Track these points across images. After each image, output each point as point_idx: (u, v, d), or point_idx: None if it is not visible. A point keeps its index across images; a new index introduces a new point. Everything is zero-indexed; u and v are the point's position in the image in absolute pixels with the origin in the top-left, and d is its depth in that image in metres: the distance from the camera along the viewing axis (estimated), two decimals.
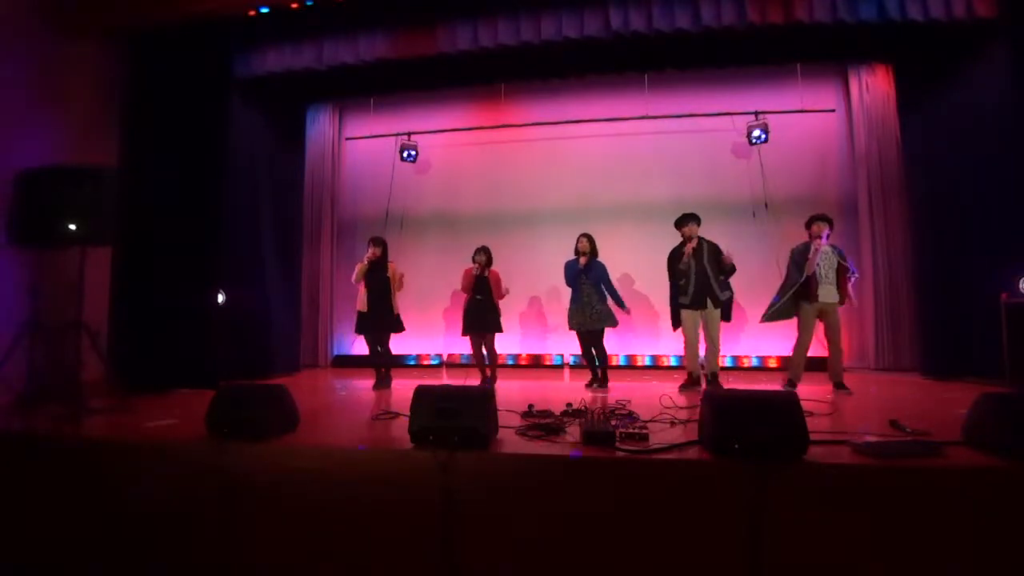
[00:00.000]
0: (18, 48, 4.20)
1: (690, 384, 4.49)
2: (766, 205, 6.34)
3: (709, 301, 4.47)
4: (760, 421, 2.05)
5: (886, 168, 6.16)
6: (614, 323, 4.83)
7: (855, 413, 3.31)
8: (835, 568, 1.92)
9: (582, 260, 4.83)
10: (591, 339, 4.83)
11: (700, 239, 4.59)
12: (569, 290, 4.96)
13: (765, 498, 1.96)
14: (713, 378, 4.48)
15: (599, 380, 4.83)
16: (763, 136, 6.14)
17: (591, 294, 4.78)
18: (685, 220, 4.63)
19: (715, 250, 4.56)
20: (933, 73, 5.25)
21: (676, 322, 4.69)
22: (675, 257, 4.65)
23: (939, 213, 5.24)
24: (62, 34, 4.50)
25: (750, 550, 1.95)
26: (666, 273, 4.76)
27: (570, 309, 4.90)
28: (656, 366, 6.42)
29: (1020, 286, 4.22)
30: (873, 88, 6.28)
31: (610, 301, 4.86)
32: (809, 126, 6.47)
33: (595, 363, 4.87)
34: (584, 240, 4.89)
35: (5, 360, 3.63)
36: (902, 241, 6.04)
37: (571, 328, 4.91)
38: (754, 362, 6.33)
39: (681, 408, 3.34)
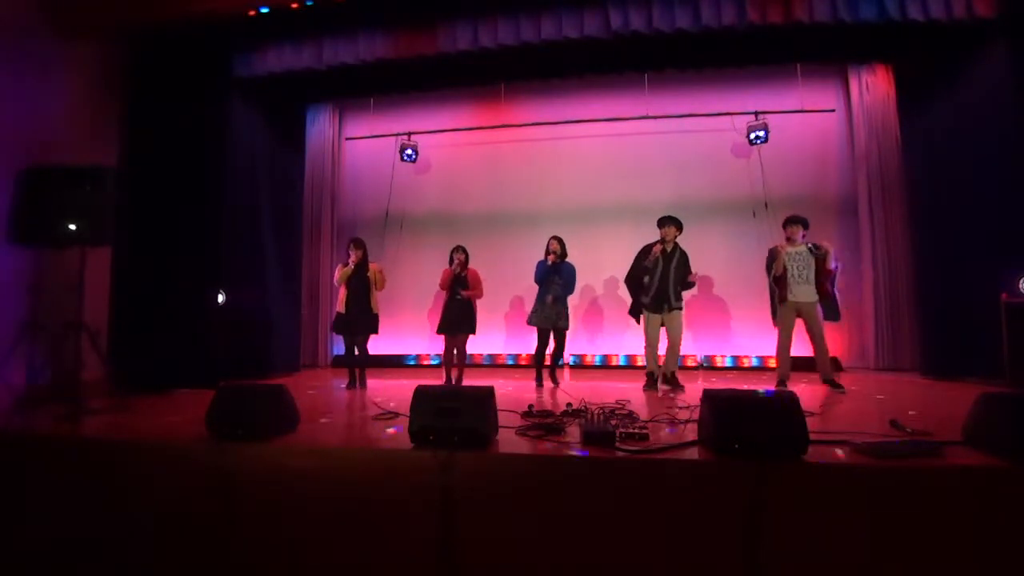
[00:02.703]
0: (18, 48, 4.20)
1: (651, 384, 4.57)
2: (766, 205, 6.34)
3: (665, 305, 4.58)
4: (760, 421, 2.05)
5: (886, 168, 6.16)
6: (567, 326, 4.97)
7: (855, 413, 3.31)
8: (835, 568, 1.92)
9: (551, 259, 4.91)
10: (557, 338, 4.92)
11: (677, 245, 4.69)
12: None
13: (765, 498, 1.96)
14: (672, 377, 4.55)
15: (553, 379, 4.95)
16: (763, 136, 6.14)
17: (559, 294, 4.88)
18: (666, 221, 4.71)
19: (684, 259, 4.67)
20: (933, 73, 5.25)
21: (635, 312, 4.80)
22: (644, 253, 4.75)
23: (939, 213, 5.24)
24: (62, 34, 4.50)
25: (750, 550, 1.95)
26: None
27: (535, 307, 4.98)
28: None
29: (1020, 286, 4.22)
30: (873, 88, 6.28)
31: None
32: (809, 126, 6.47)
33: (557, 361, 5.04)
34: (555, 242, 5.01)
35: (5, 360, 3.63)
36: (902, 241, 6.05)
37: (532, 324, 4.97)
38: (754, 362, 6.33)
39: (681, 408, 3.34)
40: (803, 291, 4.36)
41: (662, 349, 4.69)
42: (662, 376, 4.62)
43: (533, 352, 5.06)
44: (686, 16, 4.56)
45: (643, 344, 4.75)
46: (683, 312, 4.68)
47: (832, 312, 4.42)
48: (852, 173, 6.42)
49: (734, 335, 6.46)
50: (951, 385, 4.63)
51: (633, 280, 4.79)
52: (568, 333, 5.06)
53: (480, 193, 7.11)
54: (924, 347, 5.55)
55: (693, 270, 4.64)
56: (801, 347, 4.61)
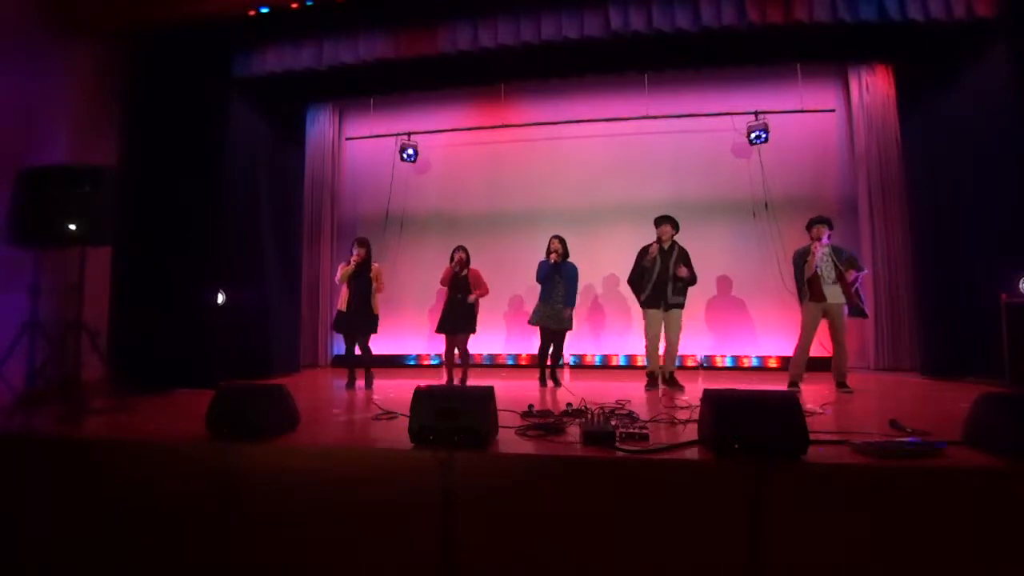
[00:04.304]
0: (18, 48, 4.20)
1: (652, 384, 4.57)
2: (766, 205, 6.34)
3: (662, 302, 4.57)
4: (760, 421, 2.05)
5: (886, 168, 6.16)
6: (571, 327, 4.96)
7: (855, 413, 3.31)
8: (835, 568, 1.92)
9: (552, 257, 4.90)
10: (556, 339, 4.92)
11: (675, 243, 4.69)
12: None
13: (765, 498, 1.96)
14: (670, 377, 4.55)
15: (555, 380, 4.93)
16: (763, 136, 6.14)
17: (560, 294, 4.87)
18: (662, 221, 4.72)
19: (685, 257, 4.66)
20: (933, 73, 5.24)
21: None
22: (642, 253, 4.76)
23: (939, 213, 5.23)
24: (62, 34, 4.50)
25: (750, 550, 1.95)
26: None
27: (537, 306, 4.97)
28: None
29: (1020, 286, 4.22)
30: (873, 88, 6.27)
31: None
32: (809, 126, 6.47)
33: (556, 361, 5.00)
34: (556, 241, 5.00)
35: (5, 360, 3.63)
36: (902, 241, 6.04)
37: (534, 323, 4.96)
38: (754, 362, 6.32)
39: (681, 408, 3.34)
40: (833, 292, 4.33)
41: (662, 349, 4.69)
42: (662, 376, 4.61)
43: (537, 352, 5.05)
44: (686, 16, 4.56)
45: (644, 344, 4.74)
46: (683, 311, 4.65)
47: (859, 310, 4.40)
48: (852, 173, 6.42)
49: (734, 335, 6.46)
50: (951, 385, 4.62)
51: (635, 281, 4.79)
52: (568, 334, 5.03)
53: (480, 193, 7.11)
54: (924, 347, 5.54)
55: (689, 267, 4.57)
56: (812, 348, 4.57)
